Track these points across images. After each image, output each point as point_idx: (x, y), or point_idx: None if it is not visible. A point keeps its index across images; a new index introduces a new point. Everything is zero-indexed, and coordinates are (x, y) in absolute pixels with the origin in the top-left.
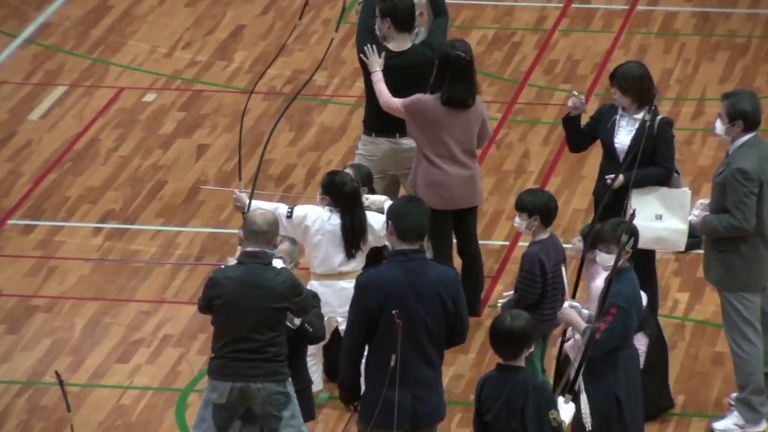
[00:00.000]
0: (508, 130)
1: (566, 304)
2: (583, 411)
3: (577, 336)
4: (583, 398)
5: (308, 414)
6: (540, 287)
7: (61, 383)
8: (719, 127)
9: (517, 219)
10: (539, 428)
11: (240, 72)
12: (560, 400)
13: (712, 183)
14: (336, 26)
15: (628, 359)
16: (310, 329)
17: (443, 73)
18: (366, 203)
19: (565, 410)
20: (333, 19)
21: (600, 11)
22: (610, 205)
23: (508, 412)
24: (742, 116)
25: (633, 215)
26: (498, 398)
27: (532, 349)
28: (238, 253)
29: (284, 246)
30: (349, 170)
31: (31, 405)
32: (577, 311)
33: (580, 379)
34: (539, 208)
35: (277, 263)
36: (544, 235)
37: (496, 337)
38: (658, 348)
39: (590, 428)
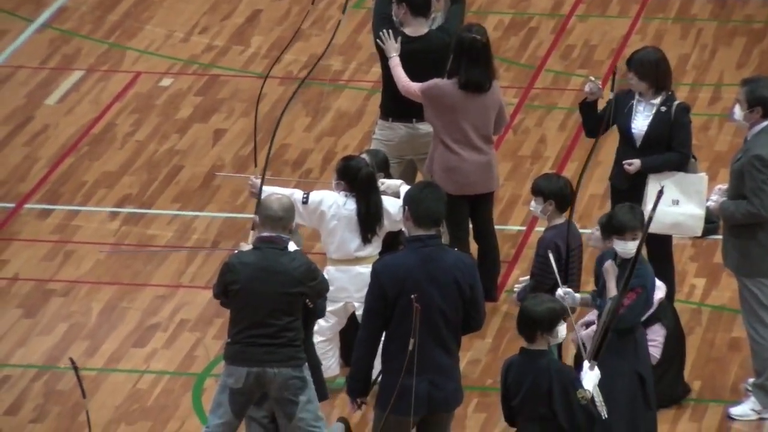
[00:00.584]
0: (525, 115)
1: (559, 290)
2: (596, 400)
3: (593, 327)
4: (595, 389)
5: (321, 394)
6: (561, 271)
7: (76, 370)
8: (737, 113)
9: (532, 203)
10: (568, 410)
11: (257, 57)
12: (585, 365)
13: (729, 169)
14: (343, 10)
15: (643, 338)
16: (311, 305)
17: (459, 57)
18: (382, 188)
19: (590, 377)
20: (350, 4)
21: None
22: (627, 191)
23: (534, 396)
24: (761, 102)
25: (659, 197)
26: (523, 383)
27: (557, 338)
28: (251, 239)
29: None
30: (365, 156)
31: (47, 389)
32: (570, 297)
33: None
34: (554, 193)
35: (291, 246)
36: (559, 220)
37: (517, 319)
38: (675, 340)
39: (605, 416)
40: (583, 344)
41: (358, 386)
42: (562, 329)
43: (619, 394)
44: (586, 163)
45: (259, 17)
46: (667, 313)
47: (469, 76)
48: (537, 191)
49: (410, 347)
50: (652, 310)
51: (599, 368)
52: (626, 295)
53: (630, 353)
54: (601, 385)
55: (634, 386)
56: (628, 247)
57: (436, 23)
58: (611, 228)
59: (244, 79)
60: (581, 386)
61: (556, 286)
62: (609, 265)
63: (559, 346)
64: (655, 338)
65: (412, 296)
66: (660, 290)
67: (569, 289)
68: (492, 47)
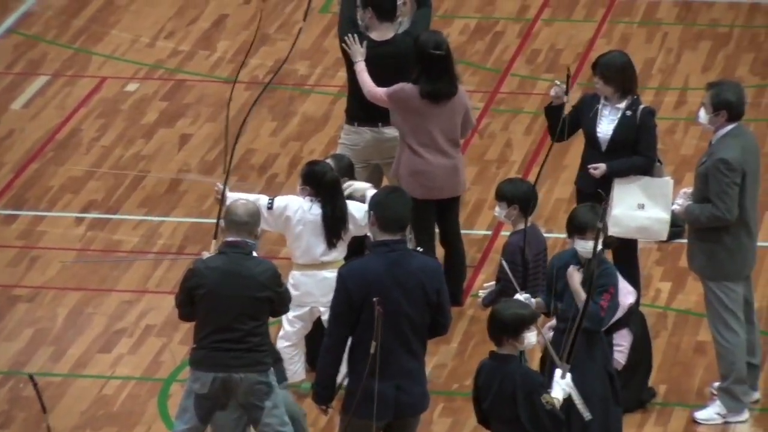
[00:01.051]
0: (491, 119)
1: (517, 296)
2: (576, 403)
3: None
4: (574, 392)
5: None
6: (522, 277)
7: (35, 386)
8: (703, 116)
9: (497, 209)
10: (533, 414)
11: (223, 62)
12: (557, 373)
13: (694, 173)
14: (304, 16)
15: (605, 337)
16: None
17: (421, 70)
18: (349, 190)
19: (560, 386)
20: (316, 9)
21: (582, 0)
22: (593, 195)
23: (501, 400)
24: (726, 106)
25: (607, 202)
26: (491, 386)
27: (525, 345)
28: (213, 248)
29: None
30: (330, 160)
31: (12, 395)
32: (528, 303)
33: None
34: (518, 197)
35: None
36: (524, 225)
37: (487, 323)
38: (642, 345)
39: (589, 416)
40: (552, 348)
41: (324, 393)
42: (530, 336)
43: (592, 395)
44: (541, 168)
45: (225, 22)
46: (635, 318)
47: (431, 88)
48: (501, 196)
49: (372, 350)
50: (620, 315)
51: (571, 370)
52: (602, 295)
53: (599, 353)
54: (576, 385)
55: (606, 385)
56: (589, 247)
57: (402, 27)
58: (573, 228)
59: (210, 83)
60: (546, 392)
61: (515, 292)
62: (572, 270)
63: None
64: (622, 343)
65: (375, 299)
66: (631, 295)
67: (527, 295)
68: (458, 51)
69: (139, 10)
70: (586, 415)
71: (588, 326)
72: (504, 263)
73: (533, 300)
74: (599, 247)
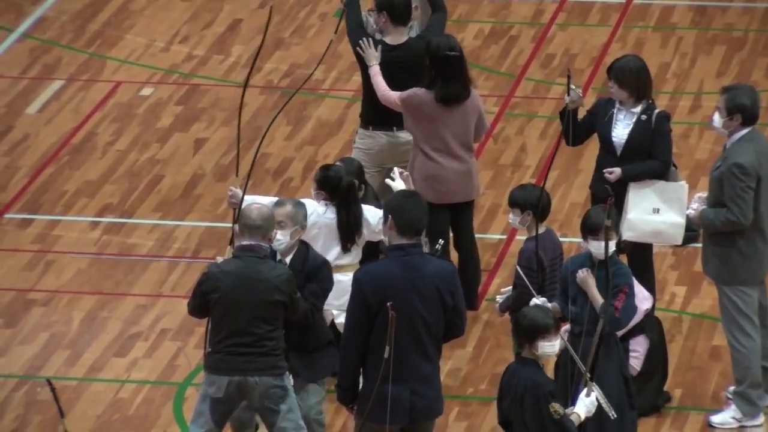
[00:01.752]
0: (505, 123)
1: (534, 300)
2: (601, 403)
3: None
4: (597, 391)
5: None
6: (538, 282)
7: (53, 390)
8: (717, 120)
9: (510, 216)
10: (540, 421)
11: (237, 66)
12: (582, 392)
13: (709, 177)
14: (335, 30)
15: (619, 342)
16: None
17: (435, 73)
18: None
19: (584, 404)
20: (330, 13)
21: (597, 5)
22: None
23: (514, 403)
24: (740, 110)
25: (613, 200)
26: (510, 388)
27: (542, 353)
28: (228, 253)
29: (286, 209)
30: (339, 164)
31: (28, 399)
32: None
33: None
34: (531, 203)
35: (280, 235)
36: (539, 230)
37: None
38: (659, 351)
39: (614, 416)
40: (579, 361)
41: (347, 394)
42: (546, 346)
43: (609, 397)
44: (547, 172)
45: (240, 26)
46: (651, 324)
47: (445, 91)
48: (514, 203)
49: (386, 355)
50: (637, 320)
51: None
52: (616, 296)
53: (615, 355)
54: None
55: (621, 389)
56: (603, 247)
57: (412, 31)
58: (586, 229)
59: (224, 88)
60: (555, 400)
61: (531, 297)
62: (585, 274)
63: None
64: (638, 349)
65: (388, 303)
66: (647, 301)
67: (544, 299)
68: (472, 56)
69: (153, 15)
70: (612, 414)
71: (608, 330)
72: (518, 269)
73: (549, 304)
74: (611, 248)
